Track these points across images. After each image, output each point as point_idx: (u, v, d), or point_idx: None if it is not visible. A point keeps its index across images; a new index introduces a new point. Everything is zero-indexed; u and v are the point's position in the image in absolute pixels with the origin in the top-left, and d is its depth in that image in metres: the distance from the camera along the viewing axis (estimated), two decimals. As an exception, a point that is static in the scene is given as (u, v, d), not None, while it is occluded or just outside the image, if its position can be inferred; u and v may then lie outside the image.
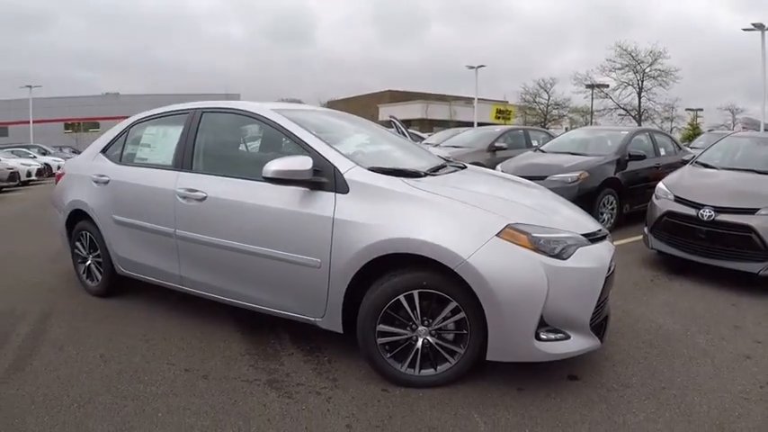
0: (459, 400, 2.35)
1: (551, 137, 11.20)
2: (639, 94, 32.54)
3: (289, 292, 2.68)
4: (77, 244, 3.88)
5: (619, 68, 32.66)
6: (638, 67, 31.90)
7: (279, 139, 3.00)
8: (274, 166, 2.50)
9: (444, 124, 31.82)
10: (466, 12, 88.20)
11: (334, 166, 2.54)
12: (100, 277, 3.76)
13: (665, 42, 49.37)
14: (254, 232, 2.72)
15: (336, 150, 2.65)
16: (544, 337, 2.29)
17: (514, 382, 2.50)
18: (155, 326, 3.27)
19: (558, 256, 2.29)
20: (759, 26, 21.40)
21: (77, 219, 3.83)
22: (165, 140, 3.48)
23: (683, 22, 57.51)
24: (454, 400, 2.35)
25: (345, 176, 2.50)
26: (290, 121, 2.85)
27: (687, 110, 36.82)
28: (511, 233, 2.27)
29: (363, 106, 38.82)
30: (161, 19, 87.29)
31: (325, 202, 2.51)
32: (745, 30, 22.21)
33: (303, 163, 2.50)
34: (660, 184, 5.00)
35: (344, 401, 2.36)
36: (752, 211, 4.04)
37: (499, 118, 38.92)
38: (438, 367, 2.43)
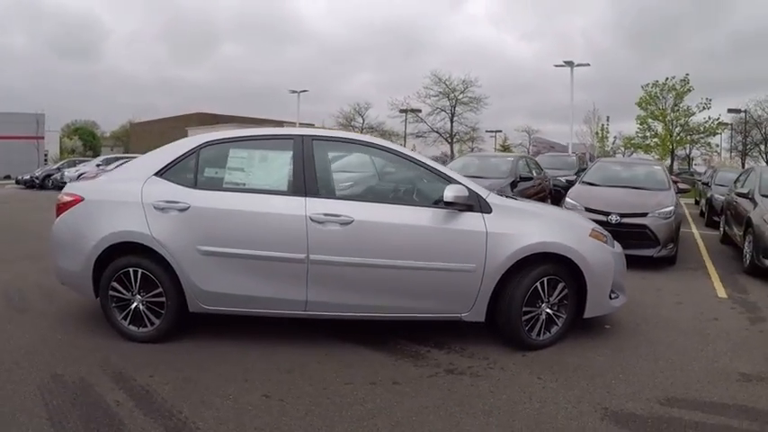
0: (571, 348, 3.91)
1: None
2: (452, 118, 39.32)
3: (437, 296, 3.78)
4: (115, 285, 3.73)
5: (434, 95, 39.26)
6: (452, 95, 38.69)
7: (407, 169, 4.03)
8: (452, 192, 3.61)
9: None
10: (259, 33, 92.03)
11: (477, 193, 3.84)
12: (156, 321, 3.72)
13: (455, 65, 59.05)
14: (409, 249, 3.64)
15: (472, 181, 4.01)
16: (612, 296, 4.08)
17: (586, 335, 4.16)
18: (269, 359, 3.51)
19: (611, 245, 4.14)
20: (569, 63, 27.52)
21: (114, 255, 3.73)
22: (265, 165, 4.00)
23: (472, 47, 69.93)
24: (567, 349, 3.89)
25: (488, 200, 3.84)
26: (420, 155, 4.08)
27: (487, 131, 45.51)
28: (595, 233, 4.03)
29: (171, 128, 37.57)
30: None
31: (475, 220, 3.74)
32: (557, 66, 28.05)
33: (464, 190, 3.70)
34: (567, 198, 7.50)
35: (512, 366, 3.52)
36: (644, 215, 6.72)
37: (310, 140, 41.96)
38: (551, 330, 3.96)
